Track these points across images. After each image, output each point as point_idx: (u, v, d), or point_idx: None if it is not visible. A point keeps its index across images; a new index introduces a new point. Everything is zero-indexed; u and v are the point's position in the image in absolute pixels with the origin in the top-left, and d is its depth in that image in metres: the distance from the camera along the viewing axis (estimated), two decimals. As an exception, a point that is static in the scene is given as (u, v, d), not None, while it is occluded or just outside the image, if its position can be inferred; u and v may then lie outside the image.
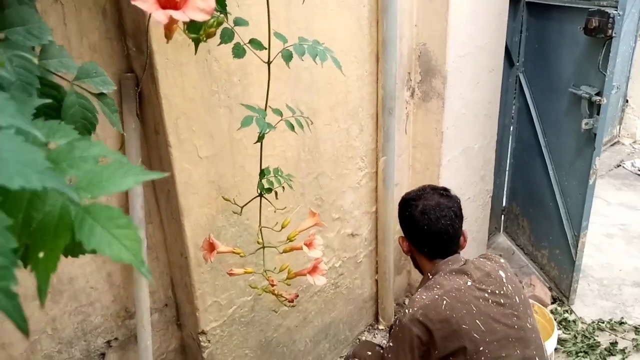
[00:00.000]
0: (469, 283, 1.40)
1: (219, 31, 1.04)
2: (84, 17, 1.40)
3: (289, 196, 1.88)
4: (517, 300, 1.42)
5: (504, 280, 1.44)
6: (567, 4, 2.38)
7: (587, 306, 2.67)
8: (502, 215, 3.26)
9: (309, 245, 1.24)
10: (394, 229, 2.35)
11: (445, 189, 1.59)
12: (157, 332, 1.78)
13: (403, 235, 1.62)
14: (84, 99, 0.70)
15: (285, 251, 1.27)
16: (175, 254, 1.70)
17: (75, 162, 0.46)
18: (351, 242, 2.25)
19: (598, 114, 2.21)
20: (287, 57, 1.12)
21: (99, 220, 0.43)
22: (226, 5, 0.99)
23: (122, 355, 1.69)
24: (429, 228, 1.49)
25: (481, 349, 1.33)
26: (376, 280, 2.47)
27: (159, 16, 0.65)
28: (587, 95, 2.24)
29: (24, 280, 1.38)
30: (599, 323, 2.53)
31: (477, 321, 1.34)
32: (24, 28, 0.62)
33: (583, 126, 2.27)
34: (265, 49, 1.13)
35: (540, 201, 2.79)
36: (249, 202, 1.30)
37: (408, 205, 1.56)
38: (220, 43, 1.08)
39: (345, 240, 2.21)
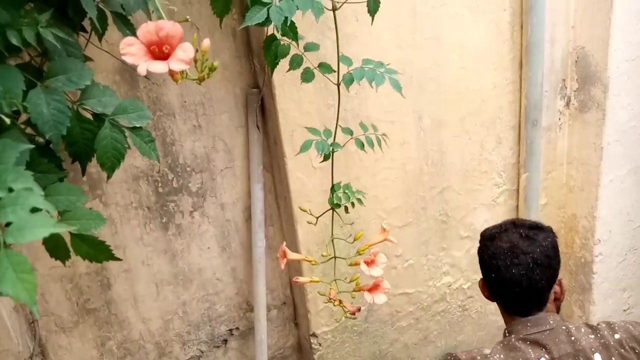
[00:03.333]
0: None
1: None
2: (216, 38, 1.57)
3: (408, 210, 1.84)
4: None
5: None
6: None
7: None
8: (698, 249, 2.66)
9: (369, 263, 1.20)
10: (537, 254, 2.11)
11: (534, 227, 1.23)
12: (275, 328, 1.90)
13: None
14: (115, 132, 0.82)
15: (351, 265, 1.26)
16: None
17: (17, 210, 0.56)
18: (483, 263, 2.09)
19: None
20: (349, 81, 1.11)
21: (12, 264, 0.54)
22: (297, 33, 1.03)
23: (242, 344, 1.86)
24: (497, 277, 1.19)
25: None
26: (514, 308, 2.25)
27: (141, 69, 0.73)
28: None
29: (163, 266, 1.60)
30: None
31: None
32: (65, 76, 0.77)
33: None
34: (335, 72, 1.13)
35: None
36: (323, 213, 1.32)
37: (482, 245, 1.27)
38: (289, 69, 1.12)
39: (475, 261, 2.04)
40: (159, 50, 0.75)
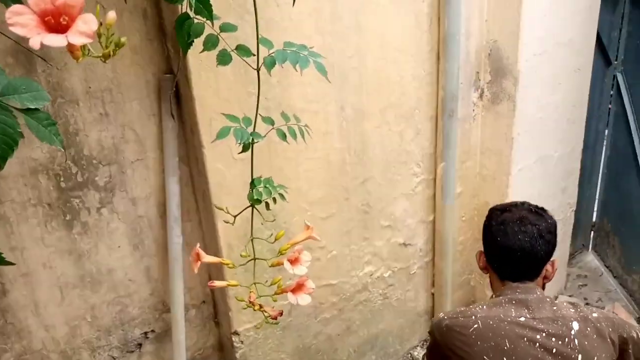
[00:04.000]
0: (523, 318, 1.22)
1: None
2: (125, 19, 1.44)
3: (332, 202, 1.82)
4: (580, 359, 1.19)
5: (573, 332, 1.21)
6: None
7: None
8: (592, 232, 2.91)
9: (293, 261, 1.15)
10: (453, 240, 2.18)
11: (540, 208, 1.39)
12: (194, 328, 1.81)
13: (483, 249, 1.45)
14: (5, 115, 0.70)
15: (272, 265, 1.20)
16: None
17: None
18: (403, 252, 2.13)
19: None
20: (270, 64, 1.05)
21: None
22: (212, 11, 0.95)
23: (158, 347, 1.75)
24: (503, 241, 1.30)
25: None
26: (432, 294, 2.32)
27: (33, 42, 0.63)
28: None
29: (68, 268, 1.45)
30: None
31: (505, 358, 1.18)
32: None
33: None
34: (254, 55, 1.07)
35: (636, 219, 2.44)
36: (242, 211, 1.24)
37: (491, 214, 1.40)
38: (203, 50, 1.04)
39: (396, 249, 2.10)
40: (56, 22, 0.64)
